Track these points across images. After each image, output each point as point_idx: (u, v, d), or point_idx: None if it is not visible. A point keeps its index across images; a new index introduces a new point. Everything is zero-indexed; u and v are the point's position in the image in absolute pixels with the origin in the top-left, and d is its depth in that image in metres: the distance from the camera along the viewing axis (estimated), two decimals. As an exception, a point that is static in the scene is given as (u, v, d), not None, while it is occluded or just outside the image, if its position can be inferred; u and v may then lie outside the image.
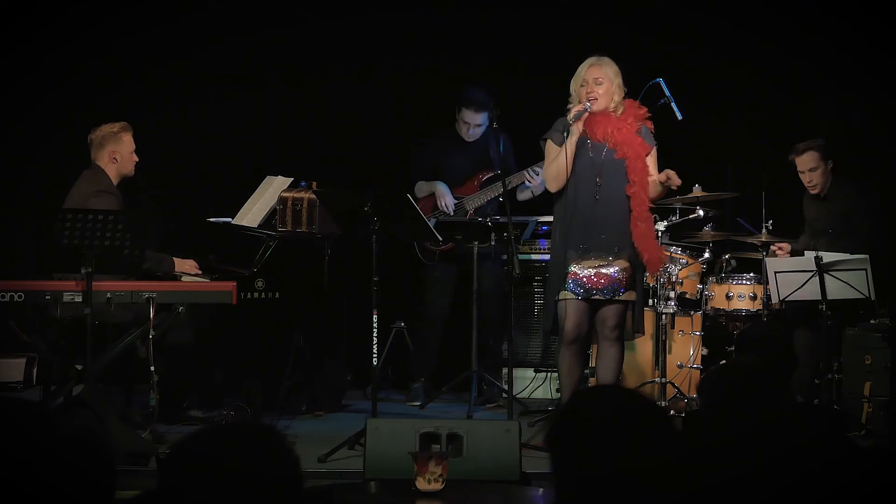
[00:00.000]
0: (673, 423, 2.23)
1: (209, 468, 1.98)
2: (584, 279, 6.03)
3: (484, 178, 7.47)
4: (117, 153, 6.45)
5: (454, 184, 7.46)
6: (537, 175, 7.16)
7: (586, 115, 6.00)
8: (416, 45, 8.04)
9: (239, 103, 7.99)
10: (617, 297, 6.07)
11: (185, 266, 6.38)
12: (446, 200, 7.40)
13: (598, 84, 6.02)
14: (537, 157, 6.58)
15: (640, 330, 6.32)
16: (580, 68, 6.08)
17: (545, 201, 6.46)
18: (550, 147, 6.14)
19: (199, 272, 6.43)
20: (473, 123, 7.40)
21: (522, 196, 7.44)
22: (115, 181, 6.45)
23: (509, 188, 7.14)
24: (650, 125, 6.17)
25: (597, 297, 6.06)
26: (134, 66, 7.79)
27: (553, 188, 6.12)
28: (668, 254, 6.26)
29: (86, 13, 7.69)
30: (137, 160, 6.52)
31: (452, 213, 7.38)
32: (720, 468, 2.49)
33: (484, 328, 7.22)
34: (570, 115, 5.99)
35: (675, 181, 6.01)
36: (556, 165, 6.04)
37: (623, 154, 6.05)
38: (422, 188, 7.49)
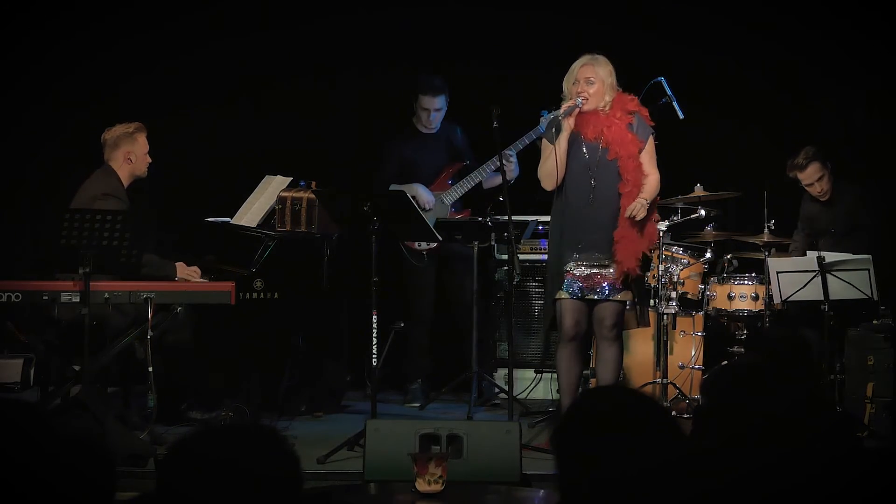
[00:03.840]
0: (677, 424, 2.21)
1: (208, 469, 1.95)
2: (580, 279, 6.03)
3: (454, 171, 7.46)
4: (132, 154, 6.43)
5: (425, 182, 7.44)
6: (509, 160, 7.07)
7: (577, 111, 5.99)
8: (417, 44, 8.01)
9: (238, 102, 7.97)
10: (612, 297, 6.05)
11: (189, 272, 6.34)
12: (426, 199, 7.38)
13: (590, 84, 6.01)
14: (534, 154, 6.57)
15: (644, 324, 6.31)
16: (574, 66, 6.08)
17: (546, 201, 6.44)
18: (544, 146, 6.13)
19: (201, 280, 6.40)
20: (433, 108, 7.41)
21: (489, 184, 7.40)
22: (126, 182, 6.43)
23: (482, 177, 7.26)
24: (644, 112, 6.15)
25: (591, 296, 6.04)
26: (133, 66, 7.76)
27: (548, 187, 6.11)
28: (639, 265, 6.21)
29: (84, 14, 7.67)
30: (151, 161, 6.50)
31: (430, 209, 7.36)
32: (724, 468, 2.47)
33: (468, 328, 7.17)
34: (561, 112, 5.98)
35: (638, 214, 5.98)
36: (548, 164, 6.04)
37: (615, 154, 6.05)
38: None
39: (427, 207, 7.36)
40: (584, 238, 6.04)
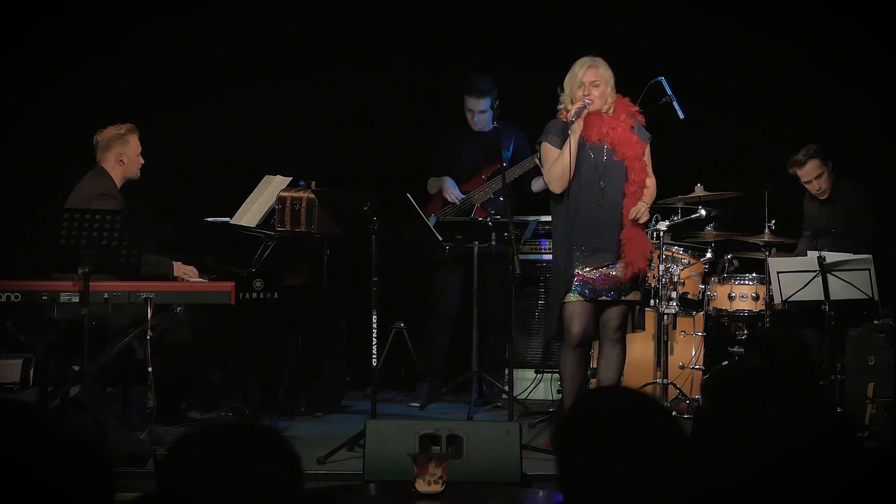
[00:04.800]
0: (678, 424, 2.20)
1: (209, 468, 1.95)
2: (592, 281, 6.02)
3: (490, 171, 7.45)
4: (124, 155, 6.42)
5: (464, 178, 7.45)
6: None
7: (585, 112, 5.99)
8: (417, 43, 8.01)
9: (237, 102, 7.96)
10: (623, 298, 6.05)
11: (186, 270, 6.34)
12: (454, 194, 7.39)
13: (595, 86, 6.03)
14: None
15: (640, 326, 6.31)
16: (576, 69, 6.06)
17: (546, 201, 6.43)
18: (548, 150, 6.11)
19: (199, 279, 6.39)
20: (477, 110, 7.42)
21: (537, 186, 7.36)
22: (119, 184, 6.42)
23: (517, 176, 7.19)
24: (642, 119, 6.18)
25: (604, 298, 6.03)
26: (132, 66, 7.75)
27: (557, 189, 6.08)
28: (649, 265, 6.22)
29: (83, 13, 7.66)
30: (143, 163, 6.49)
31: (458, 204, 7.37)
32: (725, 469, 2.46)
33: (486, 328, 7.18)
34: (571, 113, 5.98)
35: (641, 218, 6.04)
36: (560, 165, 6.02)
37: (622, 154, 6.06)
38: (432, 185, 7.49)
39: (449, 199, 7.38)
40: (594, 239, 6.03)
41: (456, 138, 7.57)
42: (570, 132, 5.99)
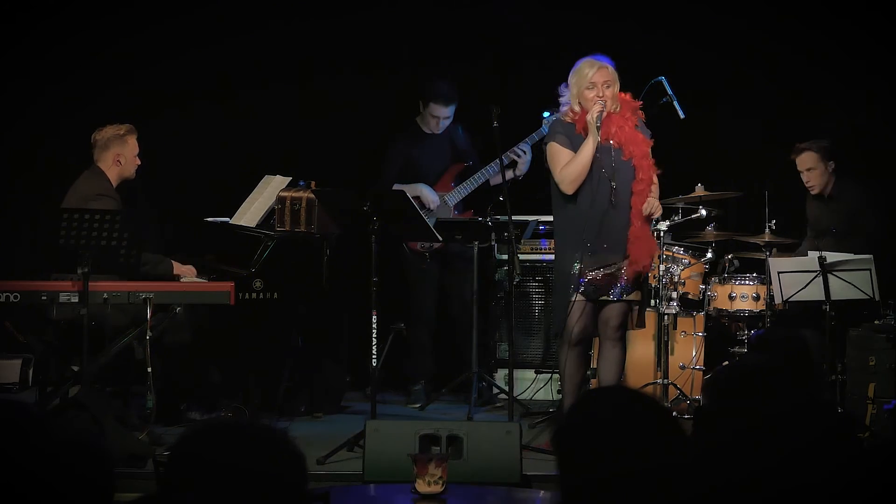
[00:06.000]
0: (679, 425, 2.20)
1: (213, 468, 1.94)
2: (595, 280, 6.00)
3: (457, 172, 7.45)
4: (122, 156, 6.41)
5: (429, 182, 7.43)
6: (524, 153, 7.15)
7: (605, 113, 5.97)
8: (416, 43, 8.00)
9: (237, 102, 7.95)
10: (624, 298, 6.04)
11: (184, 270, 6.34)
12: (430, 199, 7.37)
13: (608, 87, 5.98)
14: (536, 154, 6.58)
15: (641, 325, 6.31)
16: (586, 69, 6.00)
17: (546, 201, 6.42)
18: (557, 150, 6.05)
19: (200, 280, 6.39)
20: (443, 117, 7.40)
21: (495, 180, 7.37)
22: (115, 184, 6.41)
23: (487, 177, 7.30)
24: (642, 115, 6.18)
25: (605, 297, 6.02)
26: (131, 65, 7.75)
27: (570, 190, 6.02)
28: (652, 263, 6.23)
29: (82, 12, 7.66)
30: (139, 164, 6.48)
31: (433, 210, 7.36)
32: (726, 469, 2.46)
33: (468, 329, 7.16)
34: (594, 116, 5.93)
35: (655, 212, 6.05)
36: (578, 166, 5.96)
37: (630, 153, 6.04)
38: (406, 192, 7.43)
39: (430, 207, 7.35)
40: (602, 239, 5.99)
41: (407, 145, 7.50)
42: (591, 133, 5.92)
